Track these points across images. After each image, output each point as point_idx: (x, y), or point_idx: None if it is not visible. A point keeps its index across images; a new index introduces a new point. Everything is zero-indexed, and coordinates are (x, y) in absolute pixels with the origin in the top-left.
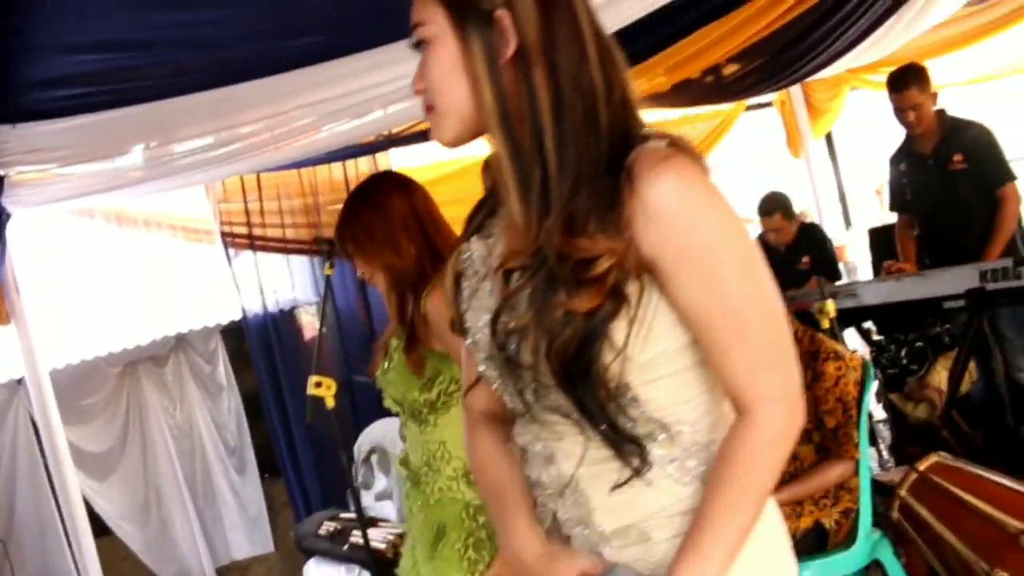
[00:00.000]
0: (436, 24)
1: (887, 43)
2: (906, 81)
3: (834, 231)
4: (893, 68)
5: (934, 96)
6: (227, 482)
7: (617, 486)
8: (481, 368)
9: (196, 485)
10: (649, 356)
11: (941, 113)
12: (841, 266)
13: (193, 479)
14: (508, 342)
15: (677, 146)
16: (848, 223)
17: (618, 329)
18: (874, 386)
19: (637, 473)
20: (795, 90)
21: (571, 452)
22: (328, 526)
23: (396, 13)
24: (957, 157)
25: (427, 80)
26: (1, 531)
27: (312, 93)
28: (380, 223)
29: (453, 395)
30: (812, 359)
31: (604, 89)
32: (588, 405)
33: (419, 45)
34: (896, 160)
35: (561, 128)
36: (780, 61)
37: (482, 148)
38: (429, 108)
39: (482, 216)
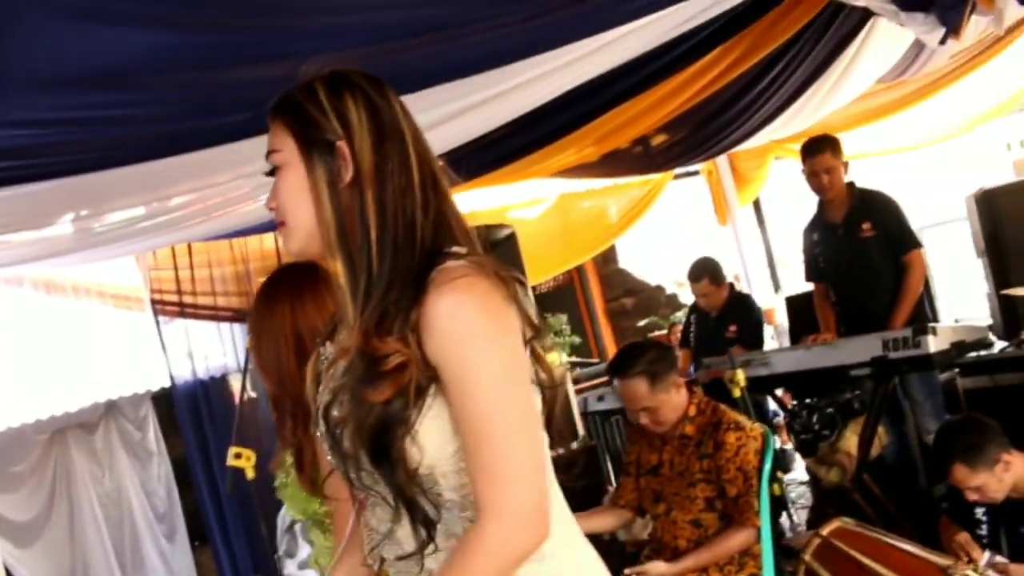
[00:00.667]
0: (287, 151)
1: (804, 117)
2: (820, 146)
3: (762, 295)
4: None
5: (846, 165)
6: (156, 549)
7: (400, 557)
8: (328, 458)
9: (124, 553)
10: (440, 446)
11: (851, 184)
12: (770, 328)
13: (121, 547)
14: (335, 431)
15: (476, 267)
16: (776, 287)
17: (413, 419)
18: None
19: (423, 547)
20: (722, 159)
21: (384, 524)
22: None
23: None
24: (866, 225)
25: (278, 199)
26: None
27: (242, 166)
28: (268, 335)
29: None
30: (714, 429)
31: (423, 211)
32: (393, 485)
33: (273, 171)
34: (809, 231)
35: (383, 242)
36: (705, 132)
37: None
38: (281, 224)
39: (336, 320)
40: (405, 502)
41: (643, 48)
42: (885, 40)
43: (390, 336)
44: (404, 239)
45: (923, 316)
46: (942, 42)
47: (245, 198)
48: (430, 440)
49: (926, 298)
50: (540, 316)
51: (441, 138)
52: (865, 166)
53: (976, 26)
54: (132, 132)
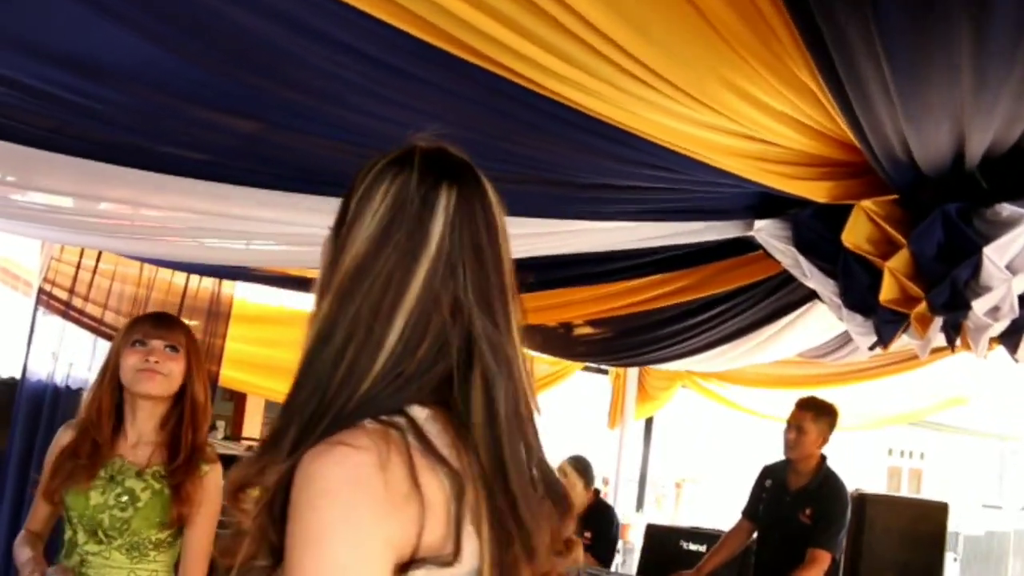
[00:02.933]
0: None
1: (724, 361)
2: (809, 405)
3: (624, 510)
4: (726, 383)
5: (825, 439)
6: None
7: None
8: None
9: None
10: None
11: (823, 459)
12: (621, 544)
13: None
14: None
15: (335, 442)
16: (640, 506)
17: None
18: None
19: None
20: (632, 370)
21: None
22: None
23: (274, 163)
24: (807, 511)
25: None
26: None
27: (186, 200)
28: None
29: (177, 537)
30: None
31: None
32: None
33: None
34: (765, 475)
35: None
36: (629, 341)
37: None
38: None
39: None
40: None
41: (599, 247)
42: (822, 321)
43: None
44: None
45: None
46: (871, 348)
47: (178, 232)
48: None
49: None
50: None
51: None
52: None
53: (902, 341)
54: (86, 126)
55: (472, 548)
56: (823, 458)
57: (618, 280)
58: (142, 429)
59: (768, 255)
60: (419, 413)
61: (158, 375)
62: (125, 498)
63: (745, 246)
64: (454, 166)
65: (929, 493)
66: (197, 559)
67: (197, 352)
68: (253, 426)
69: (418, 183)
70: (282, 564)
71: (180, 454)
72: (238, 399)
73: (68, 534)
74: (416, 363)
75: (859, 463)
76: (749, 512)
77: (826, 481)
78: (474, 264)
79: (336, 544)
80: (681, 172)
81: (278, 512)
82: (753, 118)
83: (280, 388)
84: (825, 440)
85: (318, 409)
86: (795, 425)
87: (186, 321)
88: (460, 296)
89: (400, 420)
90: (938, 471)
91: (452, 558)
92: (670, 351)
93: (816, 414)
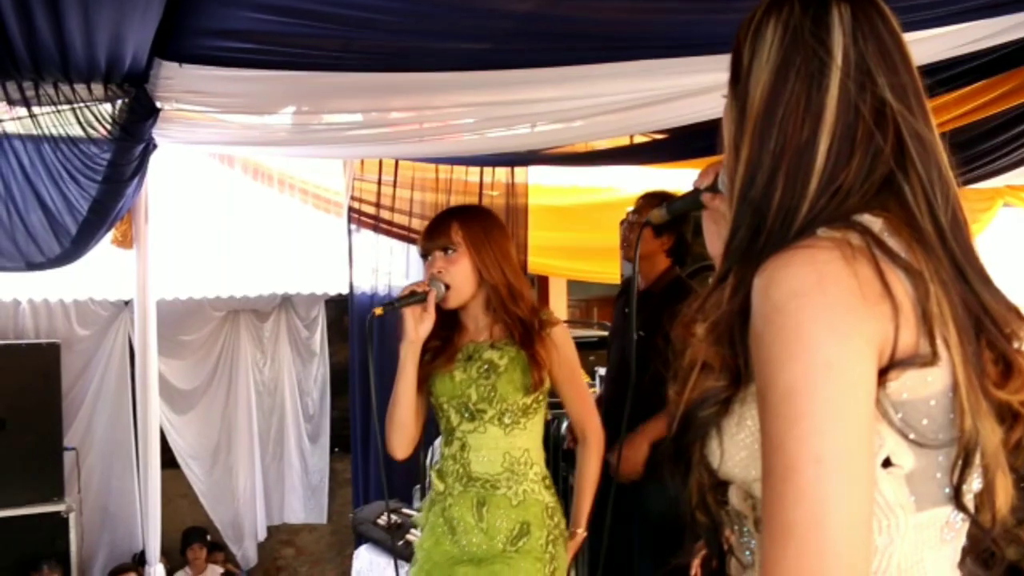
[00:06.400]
0: None
1: None
2: None
3: None
4: None
5: None
6: (298, 447)
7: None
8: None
9: (268, 442)
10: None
11: None
12: None
13: (267, 436)
14: None
15: (794, 248)
16: None
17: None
18: None
19: None
20: None
21: None
22: (387, 517)
23: (555, 38)
24: None
25: None
26: (76, 439)
27: (469, 95)
28: (497, 251)
29: (541, 402)
30: None
31: None
32: None
33: None
34: None
35: None
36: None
37: (615, 188)
38: None
39: None
40: None
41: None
42: None
43: None
44: None
45: None
46: None
47: (464, 128)
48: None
49: None
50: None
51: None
52: None
53: None
54: (369, 39)
55: (945, 350)
56: None
57: (937, 95)
58: (474, 316)
59: None
60: (871, 222)
61: (446, 292)
62: (486, 368)
63: None
64: None
65: None
66: (584, 402)
67: (478, 237)
68: (559, 308)
69: (802, 10)
70: (742, 385)
71: (515, 331)
72: (541, 282)
73: (443, 423)
74: (851, 175)
75: None
76: None
77: None
78: (886, 68)
79: (817, 342)
80: None
81: (737, 334)
82: None
83: (583, 267)
84: None
85: (760, 240)
86: None
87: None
88: (884, 97)
89: (855, 226)
90: None
91: (932, 358)
92: (998, 164)
93: None
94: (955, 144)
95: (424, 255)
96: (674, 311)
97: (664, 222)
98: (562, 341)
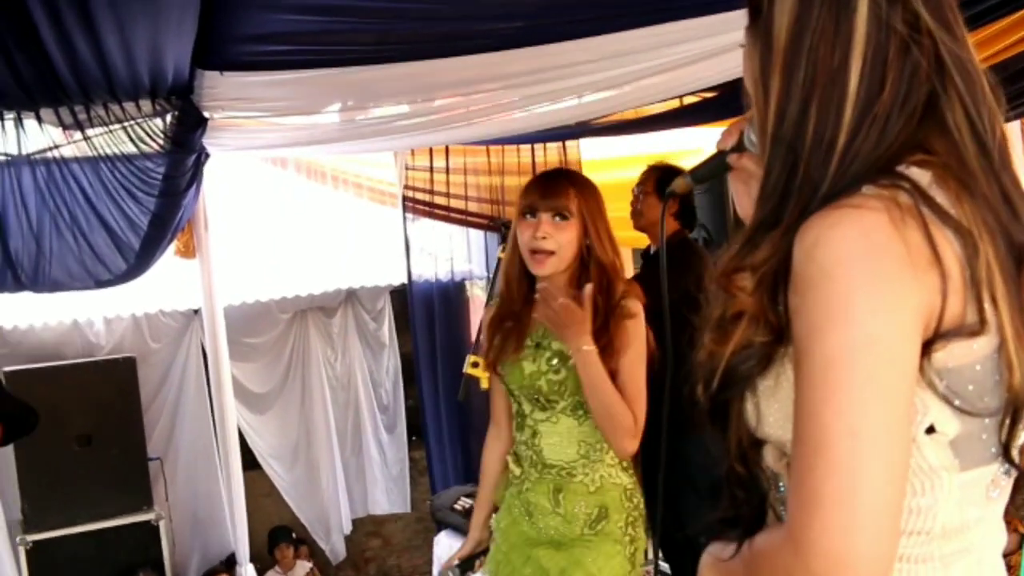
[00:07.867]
0: None
1: None
2: None
3: None
4: None
5: None
6: (375, 439)
7: None
8: None
9: (346, 436)
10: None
11: None
12: None
13: (344, 430)
14: None
15: (841, 206)
16: None
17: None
18: None
19: None
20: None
21: None
22: (465, 502)
23: (592, 6)
24: None
25: None
26: (160, 449)
27: (509, 74)
28: (603, 225)
29: None
30: None
31: None
32: None
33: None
34: None
35: None
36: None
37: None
38: None
39: None
40: None
41: None
42: None
43: None
44: None
45: None
46: None
47: (509, 107)
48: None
49: None
50: None
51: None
52: None
53: None
54: (405, 29)
55: (993, 313)
56: None
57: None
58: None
59: None
60: (920, 175)
61: (547, 257)
62: (555, 360)
63: None
64: None
65: None
66: (633, 401)
67: (595, 211)
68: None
69: None
70: (783, 342)
71: (596, 319)
72: None
73: (515, 407)
74: (887, 98)
75: None
76: None
77: None
78: None
79: (861, 314)
80: None
81: (780, 289)
82: None
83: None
84: None
85: (796, 179)
86: None
87: None
88: (917, 10)
89: (902, 183)
90: None
91: (980, 327)
92: None
93: None
94: (1009, 76)
95: (526, 213)
96: (686, 269)
97: (688, 190)
98: (635, 333)
